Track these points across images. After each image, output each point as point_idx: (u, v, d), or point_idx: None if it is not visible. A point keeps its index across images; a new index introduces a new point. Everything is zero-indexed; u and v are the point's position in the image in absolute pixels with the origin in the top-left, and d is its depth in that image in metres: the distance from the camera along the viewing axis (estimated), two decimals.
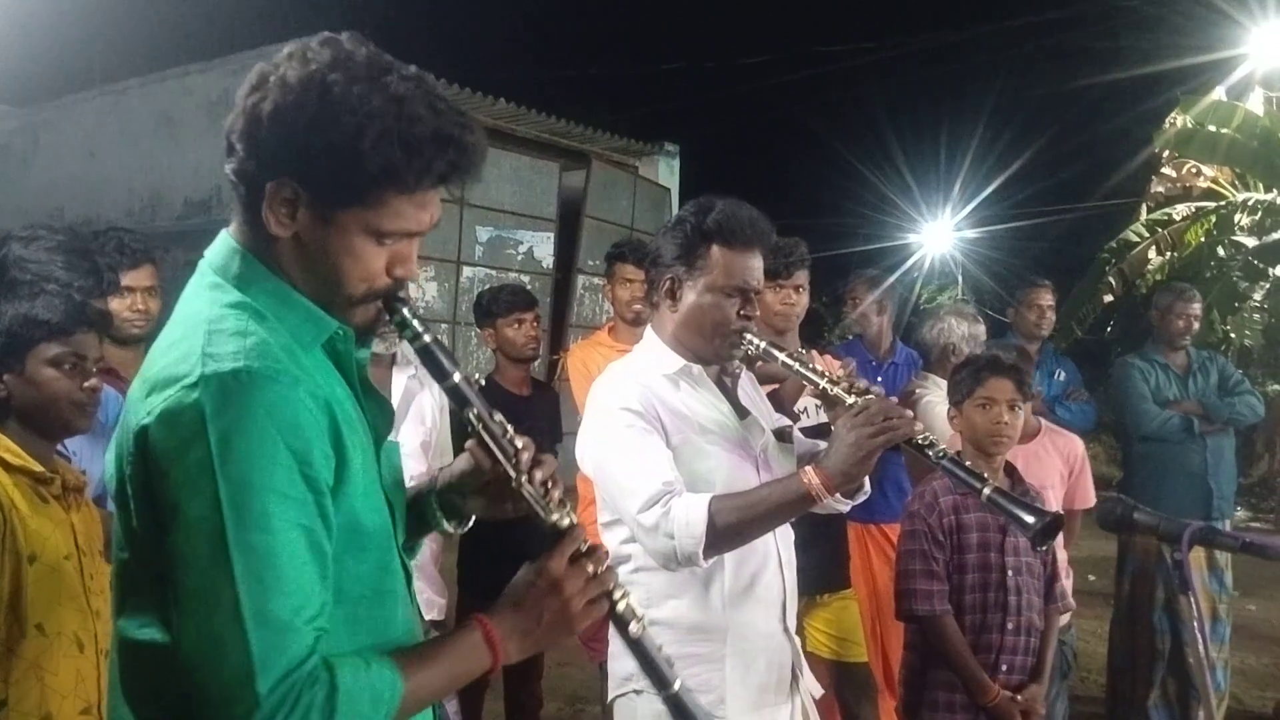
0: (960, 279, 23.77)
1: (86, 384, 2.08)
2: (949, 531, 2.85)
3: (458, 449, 1.63)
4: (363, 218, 1.22)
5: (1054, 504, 3.49)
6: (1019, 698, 2.79)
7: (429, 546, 3.29)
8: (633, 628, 1.35)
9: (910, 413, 1.96)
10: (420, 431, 3.27)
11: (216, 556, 1.09)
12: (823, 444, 2.24)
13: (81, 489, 2.13)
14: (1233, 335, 9.97)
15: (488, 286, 5.27)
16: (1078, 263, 13.27)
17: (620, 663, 2.13)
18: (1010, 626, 2.82)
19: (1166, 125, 10.33)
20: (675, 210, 10.33)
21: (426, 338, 1.32)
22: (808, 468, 1.95)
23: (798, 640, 2.27)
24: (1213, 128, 9.75)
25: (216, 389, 1.11)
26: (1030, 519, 1.92)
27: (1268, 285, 10.05)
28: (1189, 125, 9.92)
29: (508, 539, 3.27)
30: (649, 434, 2.06)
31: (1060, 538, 3.55)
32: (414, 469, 2.90)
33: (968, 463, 2.02)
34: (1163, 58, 11.73)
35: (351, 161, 1.17)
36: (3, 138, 11.79)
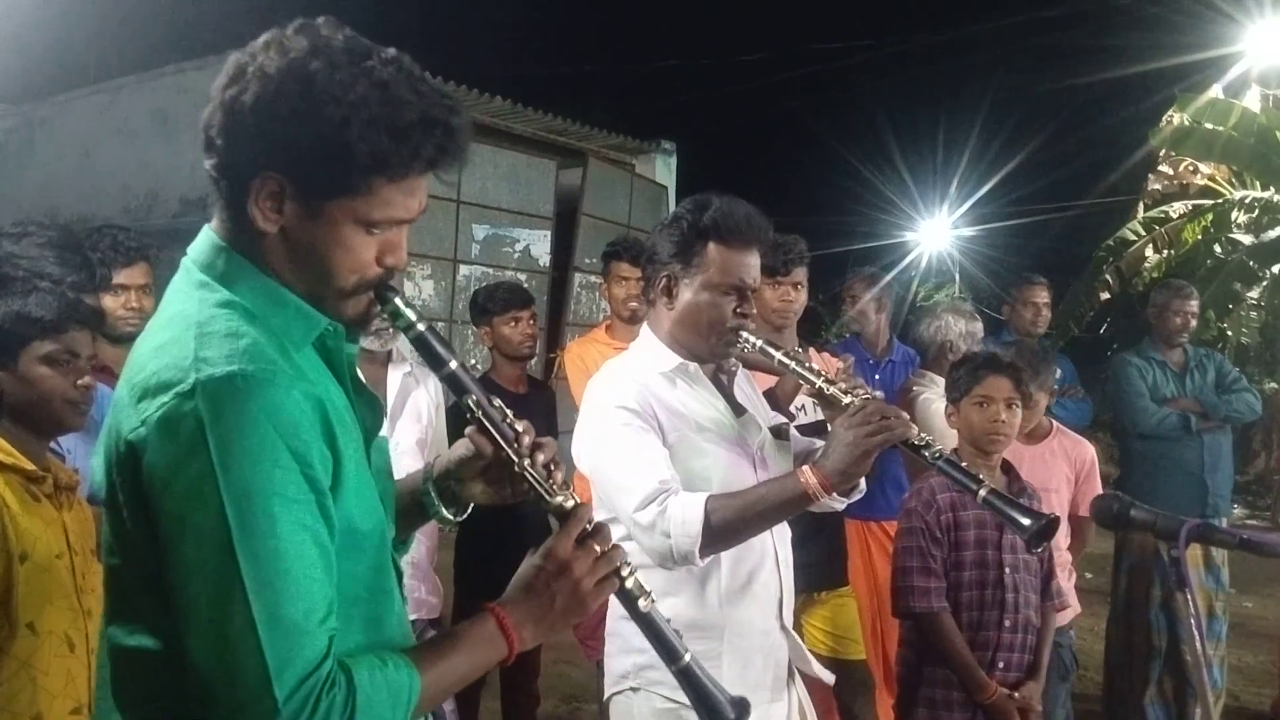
0: (957, 277, 23.81)
1: (80, 382, 2.07)
2: (946, 529, 2.85)
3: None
4: (351, 208, 1.19)
5: (1057, 507, 3.48)
6: (1016, 695, 2.79)
7: (424, 545, 3.27)
8: (642, 603, 1.35)
9: (906, 415, 1.96)
10: (416, 429, 3.26)
11: (225, 565, 1.07)
12: (819, 442, 2.23)
13: (74, 487, 2.12)
14: (1229, 333, 9.99)
15: (484, 285, 5.27)
16: (1075, 260, 13.29)
17: (617, 660, 2.13)
18: (1007, 624, 2.82)
19: (1163, 123, 10.35)
20: (672, 208, 10.31)
21: (420, 326, 1.30)
22: (805, 467, 1.95)
23: (796, 636, 2.27)
24: (1210, 125, 9.78)
25: (212, 395, 1.10)
26: (1026, 521, 1.92)
27: (1265, 283, 10.07)
28: (1186, 123, 9.94)
29: (505, 538, 3.29)
30: (645, 432, 2.05)
31: (1069, 541, 3.56)
32: (410, 467, 2.89)
33: (964, 464, 2.02)
34: (1160, 55, 11.75)
35: (338, 152, 1.15)
36: None
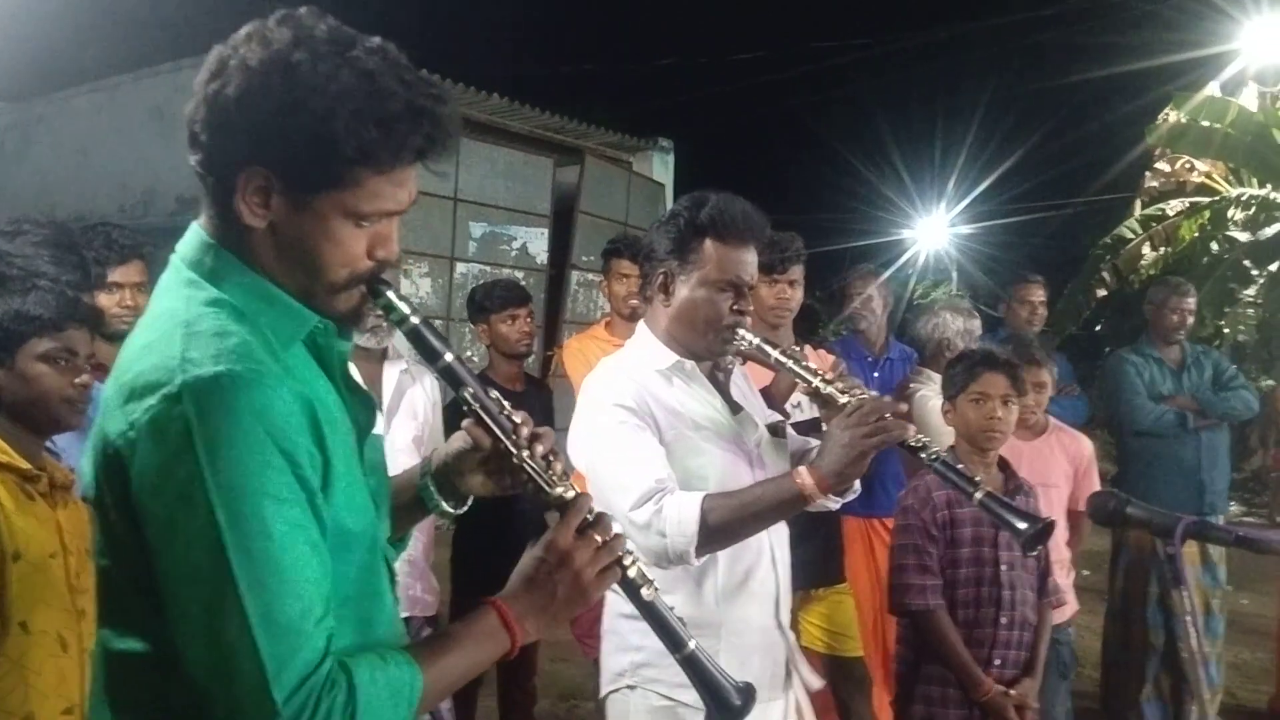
0: (954, 274, 23.82)
1: (77, 380, 2.06)
2: (942, 526, 2.85)
3: None
4: (340, 201, 1.17)
5: (1056, 503, 3.48)
6: (1012, 692, 2.79)
7: (421, 542, 3.27)
8: (645, 592, 1.34)
9: (904, 408, 1.96)
10: (413, 426, 3.26)
11: (218, 568, 1.06)
12: (815, 441, 2.23)
13: (69, 486, 2.11)
14: (1226, 330, 10.00)
15: (481, 282, 5.27)
16: (1072, 258, 13.33)
17: (614, 659, 2.13)
18: (1004, 621, 2.82)
19: (1160, 121, 10.35)
20: (669, 206, 10.31)
21: (414, 319, 1.29)
22: (801, 468, 1.95)
23: (792, 635, 2.27)
24: (1206, 123, 9.78)
25: (199, 396, 1.08)
26: (1022, 525, 1.92)
27: (1262, 280, 10.08)
28: (1182, 121, 9.94)
29: (502, 535, 3.29)
30: (641, 430, 2.05)
31: (1066, 537, 3.56)
32: (406, 464, 2.87)
33: (961, 464, 2.02)
34: (1156, 53, 11.74)
35: (325, 144, 1.13)
36: None
